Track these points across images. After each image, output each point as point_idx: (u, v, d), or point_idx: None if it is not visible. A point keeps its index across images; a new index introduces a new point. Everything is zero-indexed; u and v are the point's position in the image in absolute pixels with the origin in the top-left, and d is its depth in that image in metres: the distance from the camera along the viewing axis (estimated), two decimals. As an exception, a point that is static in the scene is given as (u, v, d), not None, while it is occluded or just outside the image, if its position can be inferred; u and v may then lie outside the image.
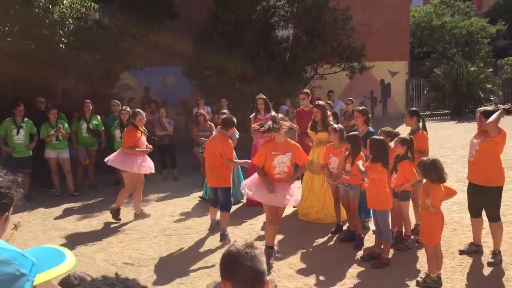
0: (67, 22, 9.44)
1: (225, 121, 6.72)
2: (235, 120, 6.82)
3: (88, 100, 10.08)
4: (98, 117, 10.21)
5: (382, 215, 5.73)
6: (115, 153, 7.91)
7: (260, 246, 2.04)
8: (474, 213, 5.89)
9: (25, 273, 1.05)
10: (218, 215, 7.01)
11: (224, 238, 6.55)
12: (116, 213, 7.82)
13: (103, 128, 10.23)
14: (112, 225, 7.63)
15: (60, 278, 1.86)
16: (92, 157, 10.18)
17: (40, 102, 10.20)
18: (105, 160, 7.94)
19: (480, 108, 5.96)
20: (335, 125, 6.92)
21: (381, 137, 6.01)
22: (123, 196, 7.88)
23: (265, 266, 1.96)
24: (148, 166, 7.83)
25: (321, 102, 7.80)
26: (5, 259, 1.03)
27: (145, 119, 8.07)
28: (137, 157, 7.71)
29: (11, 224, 1.85)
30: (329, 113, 7.65)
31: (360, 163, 5.88)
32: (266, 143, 6.03)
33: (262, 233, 6.91)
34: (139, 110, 8.18)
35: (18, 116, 9.06)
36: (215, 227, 7.02)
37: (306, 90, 8.80)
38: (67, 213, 8.42)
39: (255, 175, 6.02)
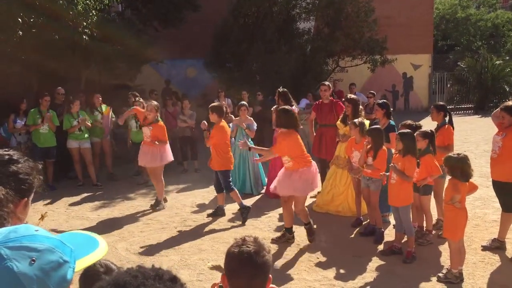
0: (91, 14, 9.52)
1: (216, 109, 7.32)
2: (224, 108, 7.69)
3: (98, 94, 10.20)
4: (105, 105, 10.26)
5: (404, 211, 5.67)
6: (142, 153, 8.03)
7: (264, 243, 2.03)
8: (506, 207, 5.83)
9: (67, 260, 1.08)
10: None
11: (245, 209, 7.22)
12: (160, 203, 8.03)
13: (114, 117, 10.28)
14: (133, 216, 7.73)
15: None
16: (108, 147, 10.28)
17: (58, 94, 10.15)
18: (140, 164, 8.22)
19: (503, 104, 5.85)
20: (355, 120, 6.86)
21: (408, 130, 5.93)
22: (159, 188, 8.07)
23: (266, 265, 1.95)
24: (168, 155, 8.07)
25: (353, 96, 7.78)
26: (49, 247, 1.06)
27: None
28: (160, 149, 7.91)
29: (38, 214, 1.89)
30: (361, 107, 7.60)
31: (396, 166, 5.67)
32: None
33: (280, 224, 6.93)
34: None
35: (43, 106, 9.21)
36: (218, 211, 7.53)
37: (327, 83, 8.75)
38: (89, 202, 8.56)
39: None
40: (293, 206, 6.21)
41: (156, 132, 7.86)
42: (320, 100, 8.48)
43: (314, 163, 6.16)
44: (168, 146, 8.07)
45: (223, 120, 7.42)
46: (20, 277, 0.99)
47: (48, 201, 8.46)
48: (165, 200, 8.28)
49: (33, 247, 1.05)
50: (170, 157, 8.08)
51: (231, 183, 7.39)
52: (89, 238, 1.34)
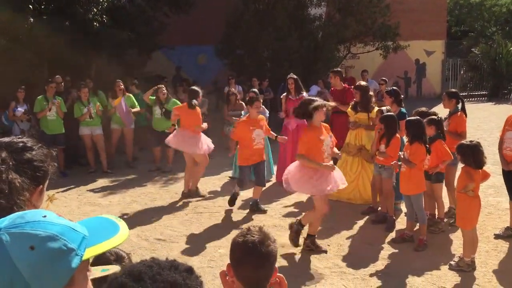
0: (101, 0, 9.50)
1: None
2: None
3: (119, 80, 10.04)
4: (131, 96, 10.22)
5: (417, 199, 5.63)
6: (176, 134, 7.79)
7: (269, 232, 2.01)
8: None
9: (73, 247, 1.05)
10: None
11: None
12: (195, 193, 7.90)
13: (137, 106, 10.15)
14: (144, 202, 7.77)
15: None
16: (129, 136, 10.22)
17: (56, 83, 9.84)
18: (166, 141, 7.96)
19: None
20: (383, 108, 6.75)
21: (417, 117, 5.86)
22: (189, 177, 7.90)
23: (271, 254, 1.94)
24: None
25: (362, 83, 7.68)
26: (52, 235, 1.04)
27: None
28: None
29: (46, 196, 1.88)
30: (371, 93, 7.50)
31: (405, 154, 5.62)
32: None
33: (289, 210, 6.93)
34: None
35: (49, 93, 9.20)
36: (253, 206, 7.14)
37: (335, 69, 8.66)
38: (101, 189, 8.61)
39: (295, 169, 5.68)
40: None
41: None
42: (333, 87, 8.41)
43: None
44: (203, 137, 7.88)
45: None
46: (17, 264, 0.98)
47: (61, 188, 8.53)
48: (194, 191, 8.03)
49: (34, 234, 1.02)
50: (205, 147, 7.76)
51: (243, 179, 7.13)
52: (110, 223, 1.30)
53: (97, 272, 1.43)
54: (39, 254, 1.01)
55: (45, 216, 1.08)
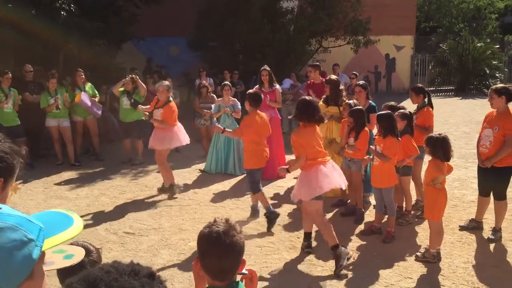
0: (69, -11, 9.28)
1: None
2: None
3: (80, 69, 9.79)
4: (90, 84, 9.95)
5: (388, 192, 5.72)
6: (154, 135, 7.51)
7: (235, 224, 2.02)
8: (483, 192, 5.87)
9: (33, 238, 1.04)
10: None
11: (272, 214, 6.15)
12: (173, 188, 7.59)
13: (98, 95, 10.01)
14: (113, 195, 7.65)
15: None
16: (93, 126, 10.05)
17: (26, 71, 9.69)
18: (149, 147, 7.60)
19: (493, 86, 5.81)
20: (350, 101, 6.79)
21: (389, 111, 5.94)
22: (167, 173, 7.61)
23: (236, 245, 1.94)
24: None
25: (333, 77, 7.72)
26: (11, 225, 1.02)
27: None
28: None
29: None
30: (342, 87, 7.55)
31: (378, 148, 5.63)
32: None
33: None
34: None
35: (5, 84, 8.80)
36: (254, 212, 6.60)
37: (314, 63, 8.72)
38: (68, 182, 8.45)
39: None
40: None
41: (166, 114, 7.37)
42: (312, 80, 8.43)
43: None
44: (178, 130, 7.57)
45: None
46: None
47: (26, 181, 8.31)
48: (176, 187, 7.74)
49: None
50: (179, 141, 7.59)
51: (259, 184, 6.35)
52: (63, 216, 1.29)
53: (59, 259, 1.39)
54: (1, 245, 0.99)
55: (0, 208, 1.05)
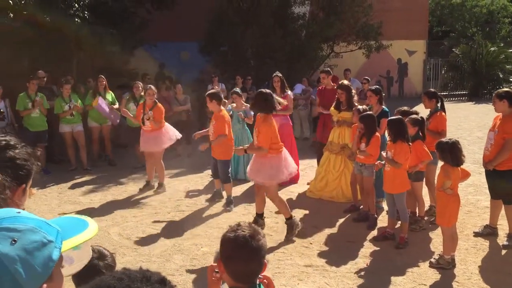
0: (82, -4, 9.40)
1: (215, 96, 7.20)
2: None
3: (102, 76, 9.99)
4: (111, 92, 10.11)
5: (400, 197, 5.68)
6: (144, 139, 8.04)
7: (259, 227, 2.06)
8: (494, 195, 5.82)
9: (52, 240, 1.07)
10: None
11: (229, 203, 7.18)
12: (162, 186, 8.15)
13: (117, 103, 10.08)
14: (126, 200, 7.70)
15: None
16: (107, 133, 10.16)
17: (39, 78, 9.79)
18: (141, 150, 8.30)
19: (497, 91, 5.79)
20: (360, 107, 6.81)
21: (398, 116, 5.92)
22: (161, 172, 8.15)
23: (262, 248, 1.97)
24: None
25: (346, 82, 7.74)
26: (31, 227, 1.05)
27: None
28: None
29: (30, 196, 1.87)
30: (353, 92, 7.57)
31: (389, 154, 5.67)
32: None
33: (275, 209, 6.95)
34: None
35: (31, 90, 9.05)
36: (215, 195, 7.60)
37: (326, 69, 8.73)
38: (82, 187, 8.52)
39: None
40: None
41: (157, 115, 7.88)
42: (323, 86, 8.43)
43: (284, 151, 6.08)
44: (166, 130, 8.04)
45: (222, 108, 7.26)
46: (1, 257, 0.98)
47: (41, 186, 8.40)
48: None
49: (13, 227, 1.03)
50: (169, 141, 8.07)
51: (229, 174, 7.33)
52: (78, 220, 1.32)
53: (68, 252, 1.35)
54: (23, 247, 1.01)
55: (19, 212, 1.09)
